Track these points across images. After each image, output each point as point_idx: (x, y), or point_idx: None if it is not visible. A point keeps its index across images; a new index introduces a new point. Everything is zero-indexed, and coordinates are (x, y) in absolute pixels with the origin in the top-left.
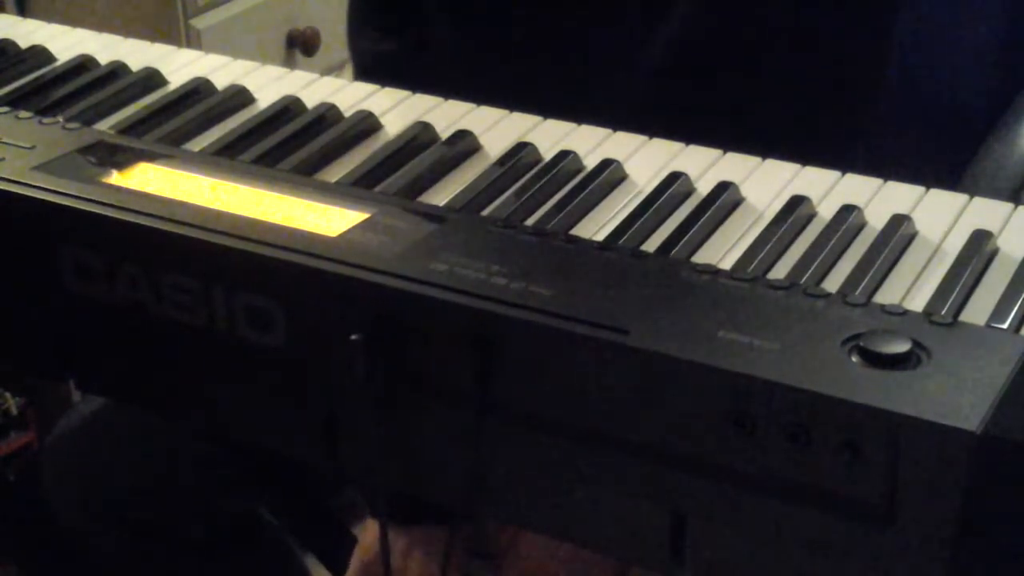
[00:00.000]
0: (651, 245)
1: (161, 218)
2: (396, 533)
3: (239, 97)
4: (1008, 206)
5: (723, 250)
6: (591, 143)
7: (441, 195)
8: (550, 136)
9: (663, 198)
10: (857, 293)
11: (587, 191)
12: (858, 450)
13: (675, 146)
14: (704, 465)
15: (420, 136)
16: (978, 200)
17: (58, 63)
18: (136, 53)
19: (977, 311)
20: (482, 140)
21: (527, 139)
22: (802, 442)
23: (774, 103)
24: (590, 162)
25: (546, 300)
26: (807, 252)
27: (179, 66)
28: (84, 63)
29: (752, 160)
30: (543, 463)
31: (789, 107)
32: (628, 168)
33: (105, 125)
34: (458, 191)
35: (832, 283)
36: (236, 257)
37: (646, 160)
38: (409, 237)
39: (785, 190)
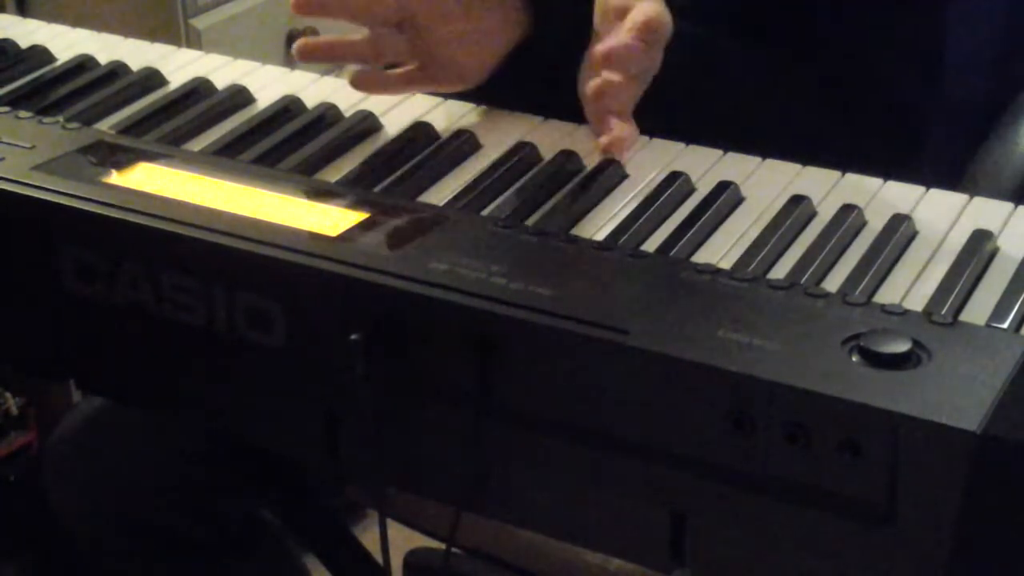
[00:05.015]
0: (651, 245)
1: (161, 218)
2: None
3: (239, 97)
4: (1008, 206)
5: (723, 250)
6: (591, 143)
7: (441, 195)
8: (550, 136)
9: (663, 198)
10: (857, 293)
11: (587, 191)
12: (858, 450)
13: (675, 146)
14: (704, 465)
15: (420, 136)
16: (978, 200)
17: (58, 63)
18: (136, 53)
19: (977, 311)
20: (482, 140)
21: (527, 139)
22: (802, 442)
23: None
24: (590, 162)
25: (546, 300)
26: (807, 252)
27: (179, 66)
28: (84, 63)
29: (752, 160)
30: (543, 463)
31: (792, 108)
32: (628, 168)
33: (105, 125)
34: (458, 191)
35: (832, 283)
36: (236, 257)
37: (646, 160)
38: (409, 237)
39: (785, 190)
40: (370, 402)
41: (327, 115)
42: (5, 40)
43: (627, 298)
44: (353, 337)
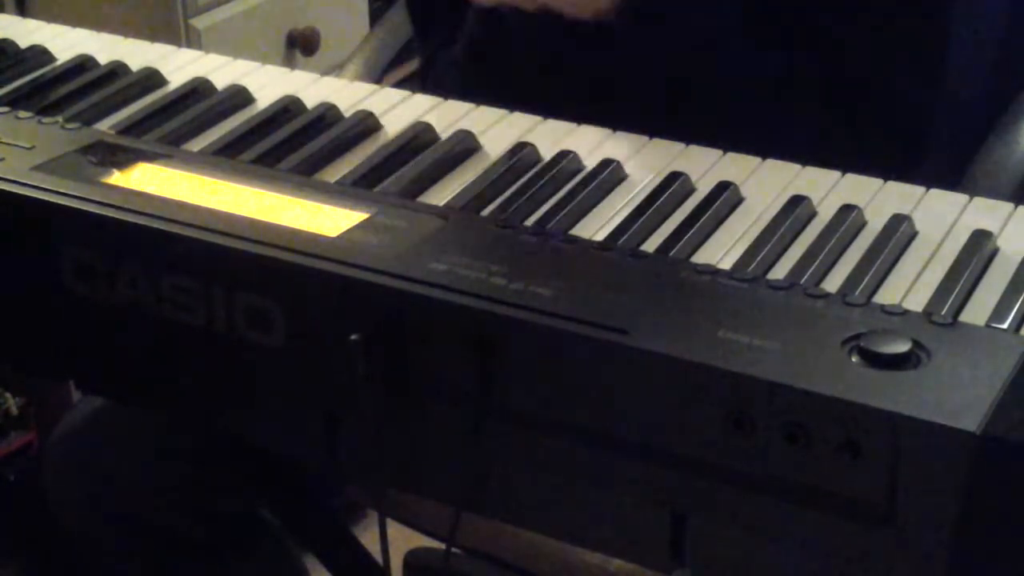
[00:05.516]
0: (651, 245)
1: (161, 218)
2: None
3: (239, 97)
4: (1008, 206)
5: (723, 250)
6: (591, 143)
7: (441, 195)
8: (550, 136)
9: (663, 198)
10: (857, 293)
11: (587, 191)
12: (858, 450)
13: (675, 146)
14: (704, 465)
15: (420, 136)
16: (978, 200)
17: (58, 63)
18: (136, 53)
19: (977, 311)
20: (482, 140)
21: (527, 139)
22: (802, 442)
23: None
24: (590, 162)
25: (546, 300)
26: (807, 252)
27: (179, 66)
28: (84, 63)
29: (752, 160)
30: (543, 463)
31: (791, 106)
32: (628, 168)
33: (105, 125)
34: (458, 191)
35: (832, 283)
36: (236, 257)
37: (646, 160)
38: (409, 237)
39: (785, 190)
40: (370, 402)
41: (327, 115)
42: (5, 40)
43: (627, 298)
44: (353, 337)
